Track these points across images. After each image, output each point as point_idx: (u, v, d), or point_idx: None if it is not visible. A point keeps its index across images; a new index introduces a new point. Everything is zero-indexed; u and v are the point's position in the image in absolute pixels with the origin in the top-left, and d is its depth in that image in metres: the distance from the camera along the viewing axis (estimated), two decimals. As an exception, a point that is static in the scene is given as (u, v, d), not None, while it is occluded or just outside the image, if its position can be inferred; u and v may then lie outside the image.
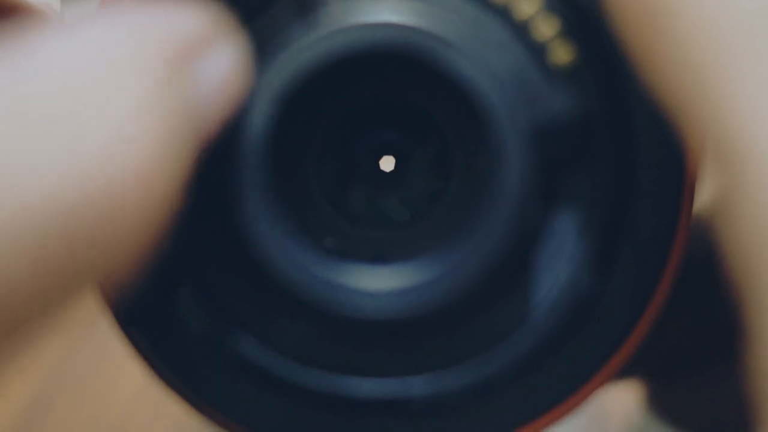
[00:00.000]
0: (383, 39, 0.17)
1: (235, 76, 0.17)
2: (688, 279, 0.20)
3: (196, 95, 0.16)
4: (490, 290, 0.19)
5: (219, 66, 0.16)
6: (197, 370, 0.19)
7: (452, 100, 0.18)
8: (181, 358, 0.19)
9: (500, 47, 0.18)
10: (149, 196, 0.15)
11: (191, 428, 0.41)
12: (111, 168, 0.14)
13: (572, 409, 0.19)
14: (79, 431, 0.43)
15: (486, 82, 0.17)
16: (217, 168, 0.17)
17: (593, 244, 0.19)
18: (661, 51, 0.15)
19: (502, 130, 0.17)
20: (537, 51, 0.18)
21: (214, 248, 0.19)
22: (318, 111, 0.19)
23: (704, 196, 0.21)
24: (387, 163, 0.20)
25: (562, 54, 0.18)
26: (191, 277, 0.19)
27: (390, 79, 0.19)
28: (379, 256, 0.19)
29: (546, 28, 0.18)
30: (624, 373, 0.20)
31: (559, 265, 0.19)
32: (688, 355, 0.24)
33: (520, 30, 0.18)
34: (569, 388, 0.19)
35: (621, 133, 0.19)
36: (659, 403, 0.26)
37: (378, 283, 0.18)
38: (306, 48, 0.17)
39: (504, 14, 0.18)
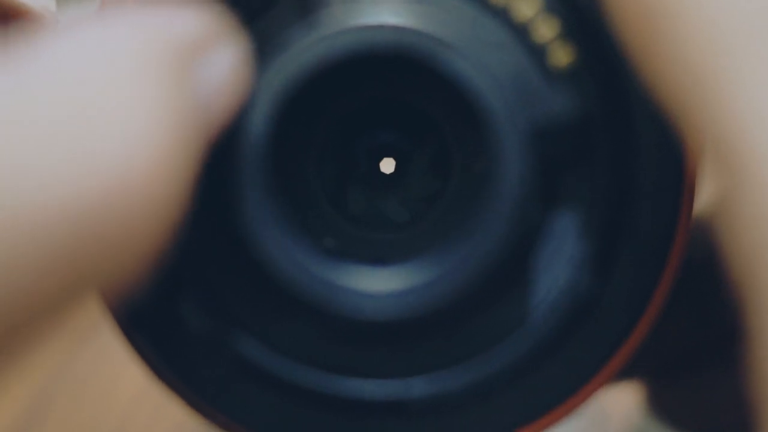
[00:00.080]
0: (383, 41, 0.17)
1: (236, 76, 0.17)
2: (687, 280, 0.20)
3: (200, 96, 0.16)
4: (490, 291, 0.19)
5: (221, 67, 0.16)
6: (198, 371, 0.19)
7: (452, 102, 0.18)
8: (182, 358, 0.19)
9: (500, 49, 0.18)
10: (159, 199, 0.15)
11: (191, 430, 0.41)
12: (121, 170, 0.14)
13: (572, 410, 0.19)
14: (79, 432, 0.43)
15: (485, 83, 0.17)
16: (217, 169, 0.17)
17: (593, 245, 0.19)
18: (661, 52, 0.15)
19: (502, 131, 0.17)
20: (537, 52, 0.18)
21: (214, 249, 0.19)
22: (318, 112, 0.19)
23: (704, 197, 0.21)
24: (387, 165, 0.20)
25: (561, 55, 0.19)
26: (192, 278, 0.19)
27: (390, 81, 0.19)
28: (379, 257, 0.19)
29: (546, 30, 0.18)
30: (623, 374, 0.20)
31: (558, 266, 0.19)
32: (688, 356, 0.24)
33: (520, 31, 0.18)
34: (569, 388, 0.19)
35: (621, 134, 0.19)
36: (659, 404, 0.26)
37: (378, 284, 0.18)
38: (306, 49, 0.17)
39: (503, 16, 0.18)
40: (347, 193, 0.20)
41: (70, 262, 0.14)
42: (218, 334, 0.19)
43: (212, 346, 0.19)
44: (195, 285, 0.19)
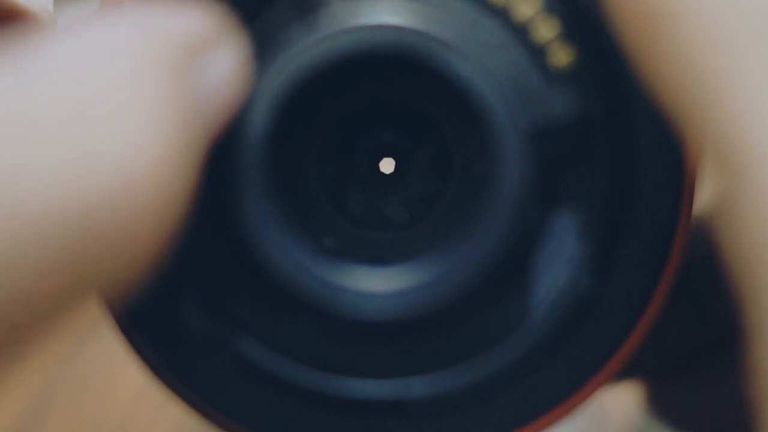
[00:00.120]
0: (383, 40, 0.17)
1: (235, 76, 0.17)
2: (687, 280, 0.20)
3: (200, 96, 0.16)
4: (490, 291, 0.19)
5: (220, 67, 0.16)
6: (198, 372, 0.19)
7: (451, 102, 0.18)
8: (182, 359, 0.19)
9: (500, 49, 0.18)
10: (161, 199, 0.15)
11: (191, 430, 0.41)
12: (122, 171, 0.14)
13: (572, 409, 0.19)
14: (79, 432, 0.43)
15: (485, 83, 0.17)
16: (217, 169, 0.17)
17: (592, 245, 0.19)
18: (661, 52, 0.15)
19: (502, 131, 0.17)
20: (536, 53, 0.18)
21: (214, 249, 0.19)
22: (318, 112, 0.19)
23: (704, 197, 0.21)
24: (387, 165, 0.20)
25: (561, 56, 0.18)
26: (191, 278, 0.19)
27: (390, 81, 0.19)
28: (378, 257, 0.19)
29: (545, 30, 0.18)
30: (623, 374, 0.20)
31: (558, 266, 0.19)
32: (688, 356, 0.24)
33: (520, 32, 0.18)
34: (569, 388, 0.19)
35: (620, 134, 0.19)
36: (659, 404, 0.26)
37: (378, 284, 0.18)
38: (306, 49, 0.17)
39: (503, 16, 0.18)
40: (347, 193, 0.20)
41: (71, 263, 0.14)
42: (218, 334, 0.19)
43: (212, 346, 0.19)
44: (194, 285, 0.19)
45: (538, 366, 0.19)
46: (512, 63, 0.18)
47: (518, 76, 0.18)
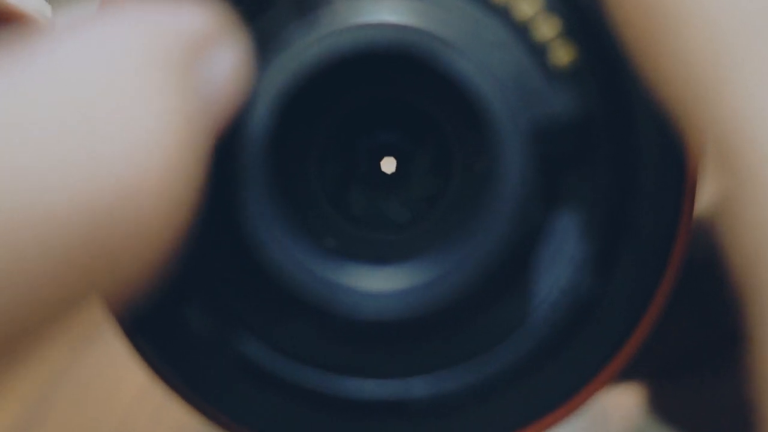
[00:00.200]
0: (383, 39, 0.17)
1: (237, 75, 0.17)
2: (688, 281, 0.20)
3: (203, 95, 0.16)
4: (491, 291, 0.19)
5: (222, 65, 0.16)
6: (200, 372, 0.19)
7: (452, 101, 0.18)
8: (183, 359, 0.19)
9: (501, 48, 0.18)
10: (168, 201, 0.14)
11: (193, 430, 0.41)
12: (129, 172, 0.14)
13: (573, 410, 0.19)
14: (80, 433, 0.43)
15: (486, 83, 0.17)
16: (218, 168, 0.17)
17: (594, 245, 0.19)
18: (662, 51, 0.15)
19: (503, 131, 0.17)
20: (537, 52, 0.18)
21: (215, 249, 0.19)
22: (319, 111, 0.19)
23: (705, 197, 0.20)
24: (388, 165, 0.20)
25: (562, 55, 0.18)
26: (193, 278, 0.19)
27: (390, 80, 0.19)
28: (379, 257, 0.18)
29: (546, 29, 0.18)
30: (624, 374, 0.20)
31: (559, 266, 0.19)
32: (689, 356, 0.24)
33: (521, 30, 0.18)
34: (570, 389, 0.19)
35: (622, 134, 0.19)
36: (660, 405, 0.26)
37: (379, 284, 0.18)
38: (307, 48, 0.17)
39: (504, 15, 0.18)
40: (348, 193, 0.20)
41: (74, 267, 0.14)
42: (219, 334, 0.19)
43: (213, 347, 0.19)
44: (196, 285, 0.19)
45: (539, 366, 0.19)
46: (513, 62, 0.18)
47: (519, 75, 0.18)
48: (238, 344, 0.19)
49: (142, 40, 0.15)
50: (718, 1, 0.15)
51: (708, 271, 0.21)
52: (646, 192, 0.19)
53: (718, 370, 0.24)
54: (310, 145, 0.19)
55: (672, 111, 0.16)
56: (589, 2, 0.18)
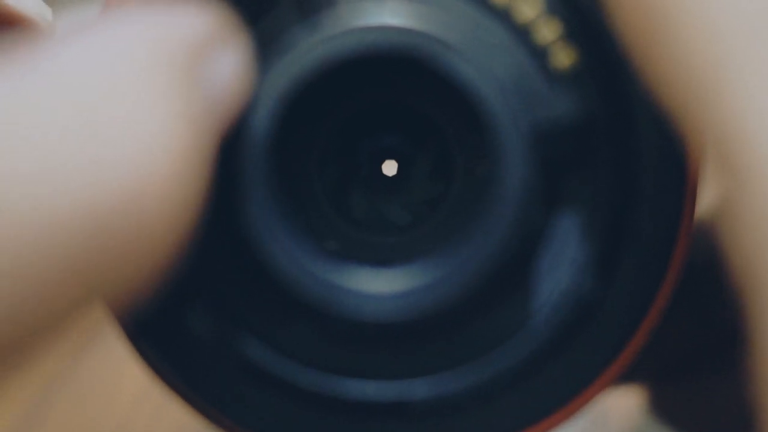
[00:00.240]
0: (385, 42, 0.17)
1: (239, 78, 0.17)
2: (689, 283, 0.20)
3: (207, 98, 0.16)
4: (492, 293, 0.19)
5: (225, 68, 0.16)
6: (202, 374, 0.19)
7: (454, 104, 0.18)
8: (186, 361, 0.19)
9: (502, 51, 0.18)
10: (174, 204, 0.14)
11: (192, 431, 0.41)
12: (134, 176, 0.14)
13: (574, 412, 0.19)
14: (80, 434, 0.43)
15: (487, 85, 0.17)
16: (219, 170, 0.17)
17: (595, 247, 0.19)
18: (663, 54, 0.15)
19: (504, 134, 0.17)
20: (538, 54, 0.18)
21: (217, 251, 0.19)
22: (320, 114, 0.19)
23: (706, 199, 0.20)
24: (389, 168, 0.20)
25: (563, 57, 0.18)
26: (195, 281, 0.19)
27: (392, 83, 0.19)
28: (381, 259, 0.19)
29: (547, 32, 0.18)
30: (626, 376, 0.20)
31: (560, 269, 0.19)
32: (690, 359, 0.24)
33: (522, 33, 0.18)
34: (571, 391, 0.19)
35: (623, 136, 0.19)
36: (660, 407, 0.26)
37: (380, 286, 0.18)
38: (309, 50, 0.17)
39: (505, 18, 0.18)
40: (349, 196, 0.20)
41: (77, 271, 0.14)
42: (221, 336, 0.19)
43: (215, 348, 0.19)
44: (198, 287, 0.19)
45: (540, 369, 0.19)
46: (514, 65, 0.18)
47: (520, 78, 0.18)
48: (240, 346, 0.19)
49: (144, 43, 0.15)
50: (718, 2, 0.15)
51: (709, 274, 0.21)
52: (647, 194, 0.19)
53: (719, 372, 0.24)
54: (312, 148, 0.19)
55: (672, 113, 0.16)
56: (589, 5, 0.18)
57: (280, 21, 0.18)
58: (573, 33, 0.18)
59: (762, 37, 0.14)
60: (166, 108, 0.15)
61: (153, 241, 0.14)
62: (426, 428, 0.19)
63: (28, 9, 0.21)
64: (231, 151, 0.17)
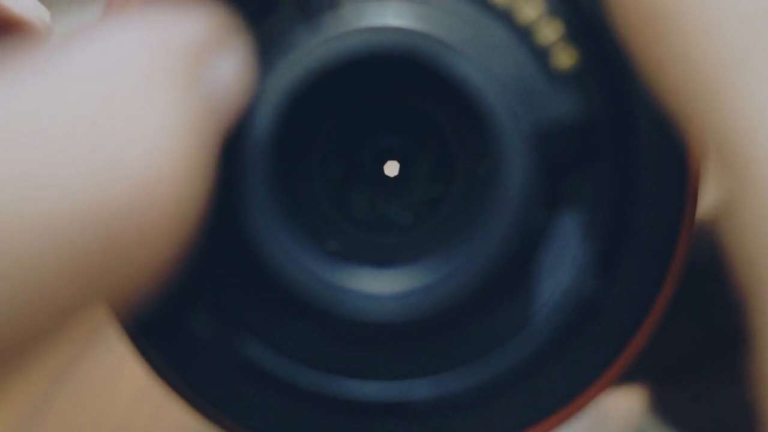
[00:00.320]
0: (387, 43, 0.17)
1: (241, 79, 0.17)
2: (690, 283, 0.20)
3: (210, 100, 0.16)
4: (493, 293, 0.19)
5: (227, 69, 0.16)
6: (202, 374, 0.19)
7: (455, 105, 0.18)
8: (187, 361, 0.19)
9: (503, 51, 0.18)
10: (177, 206, 0.14)
11: (192, 431, 0.41)
12: (138, 179, 0.14)
13: (575, 412, 0.19)
14: (80, 434, 0.43)
15: (488, 86, 0.17)
16: (221, 171, 0.17)
17: (596, 247, 0.19)
18: (664, 54, 0.15)
19: (505, 134, 0.17)
20: (540, 55, 0.18)
21: (218, 252, 0.19)
22: (322, 114, 0.19)
23: (707, 199, 0.20)
24: (391, 168, 0.20)
25: (564, 58, 0.18)
26: (196, 281, 0.19)
27: (393, 83, 0.19)
28: (382, 259, 0.19)
29: (549, 32, 0.18)
30: (627, 376, 0.20)
31: (561, 269, 0.19)
32: (691, 358, 0.24)
33: (523, 34, 0.18)
34: (572, 391, 0.19)
35: (624, 136, 0.19)
36: (661, 407, 0.26)
37: (381, 286, 0.18)
38: (310, 51, 0.17)
39: (506, 18, 0.18)
40: (351, 196, 0.20)
41: (82, 273, 0.14)
42: (222, 336, 0.19)
43: (216, 349, 0.19)
44: (199, 287, 0.19)
45: (541, 369, 0.19)
46: (515, 65, 0.18)
47: (521, 79, 0.18)
48: (241, 346, 0.19)
49: (146, 48, 0.15)
50: (719, 2, 0.15)
51: (710, 273, 0.21)
52: (648, 194, 0.19)
53: (720, 371, 0.24)
54: (313, 148, 0.19)
55: (673, 113, 0.16)
56: (591, 5, 0.18)
57: (282, 22, 0.18)
58: (574, 33, 0.18)
59: (763, 37, 0.14)
60: (168, 111, 0.15)
61: (155, 244, 0.14)
62: (427, 428, 0.19)
63: (27, 12, 0.21)
64: (233, 152, 0.17)
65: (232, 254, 0.19)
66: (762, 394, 0.15)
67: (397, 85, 0.19)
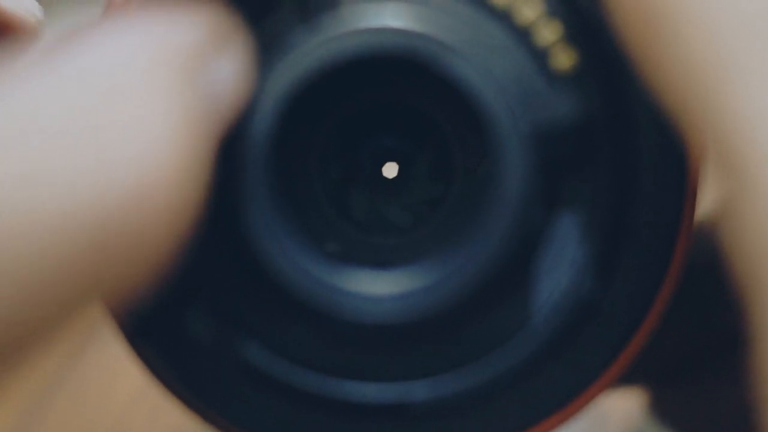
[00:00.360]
0: (386, 43, 0.17)
1: (240, 79, 0.17)
2: (689, 284, 0.20)
3: (208, 100, 0.16)
4: (492, 294, 0.19)
5: (226, 70, 0.16)
6: (200, 375, 0.19)
7: (454, 105, 0.18)
8: (185, 363, 0.19)
9: (502, 52, 0.18)
10: (173, 205, 0.15)
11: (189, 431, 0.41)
12: (135, 178, 0.14)
13: (573, 414, 0.19)
14: (78, 434, 0.43)
15: (487, 87, 0.17)
16: (220, 172, 0.17)
17: (595, 248, 0.19)
18: (663, 54, 0.15)
19: (503, 134, 0.17)
20: (539, 56, 0.18)
21: (217, 253, 0.19)
22: (321, 115, 0.19)
23: (707, 200, 0.20)
24: (389, 170, 0.20)
25: (563, 59, 0.18)
26: (194, 282, 0.19)
27: (392, 84, 0.19)
28: (381, 261, 0.18)
29: (548, 33, 0.18)
30: (625, 378, 0.20)
31: (560, 270, 0.19)
32: (690, 360, 0.24)
33: (522, 35, 0.18)
34: (570, 392, 0.19)
35: (623, 137, 0.19)
36: (660, 408, 0.26)
37: (380, 287, 0.18)
38: (309, 52, 0.17)
39: (506, 19, 0.18)
40: (350, 197, 0.20)
41: (79, 270, 0.14)
42: (220, 337, 0.19)
43: (214, 350, 0.19)
44: (197, 288, 0.19)
45: (540, 370, 0.19)
46: (514, 66, 0.18)
47: (520, 79, 0.18)
48: (239, 347, 0.19)
49: (145, 46, 0.15)
50: (718, 2, 0.15)
51: (709, 274, 0.21)
52: (647, 195, 0.19)
53: (719, 373, 0.24)
54: (312, 148, 0.19)
55: (673, 114, 0.16)
56: (590, 6, 0.18)
57: (282, 22, 0.18)
58: (573, 34, 0.18)
59: (762, 37, 0.14)
60: (165, 112, 0.15)
61: (151, 242, 0.14)
62: (426, 430, 0.19)
63: (18, 10, 0.21)
64: (232, 152, 0.17)
65: (230, 255, 0.19)
66: (761, 396, 0.15)
67: (396, 86, 0.19)
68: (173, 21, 0.16)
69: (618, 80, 0.18)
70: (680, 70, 0.15)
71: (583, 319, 0.19)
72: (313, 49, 0.17)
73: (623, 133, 0.19)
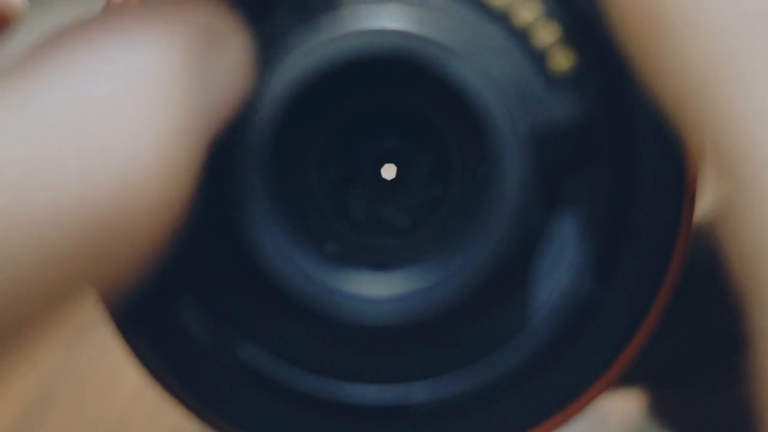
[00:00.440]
0: (385, 45, 0.17)
1: (239, 79, 0.17)
2: (688, 285, 0.20)
3: (205, 98, 0.16)
4: (491, 296, 0.19)
5: (225, 69, 0.16)
6: (199, 376, 0.19)
7: (452, 107, 0.18)
8: (183, 364, 0.19)
9: (500, 54, 0.18)
10: (161, 199, 0.15)
11: (189, 432, 0.41)
12: (126, 171, 0.14)
13: (573, 415, 0.19)
14: (77, 434, 0.43)
15: (486, 88, 0.17)
16: (219, 173, 0.17)
17: (594, 249, 0.19)
18: (662, 56, 0.15)
19: (502, 136, 0.17)
20: (537, 57, 0.18)
21: (215, 253, 0.19)
22: (320, 116, 0.19)
23: (705, 201, 0.20)
24: (388, 171, 0.20)
25: (562, 60, 0.18)
26: (192, 283, 0.19)
27: (391, 85, 0.19)
28: (380, 262, 0.18)
29: (546, 35, 0.18)
30: (625, 379, 0.20)
31: (559, 271, 0.19)
32: (689, 361, 0.24)
33: (520, 36, 0.18)
34: (570, 393, 0.19)
35: (622, 138, 0.19)
36: (659, 409, 0.26)
37: (379, 289, 0.18)
38: (308, 53, 0.17)
39: (504, 21, 0.18)
40: (349, 198, 0.20)
41: (67, 263, 0.14)
42: (219, 338, 0.19)
43: (212, 351, 0.19)
44: (195, 289, 0.19)
45: (539, 371, 0.19)
46: (513, 67, 0.18)
47: (519, 81, 0.18)
48: (238, 349, 0.19)
49: (142, 45, 0.15)
50: (717, 3, 0.15)
51: (708, 276, 0.21)
52: (646, 196, 0.19)
53: (718, 374, 0.24)
54: (311, 150, 0.19)
55: (671, 115, 0.16)
56: (588, 7, 0.18)
57: (281, 23, 0.18)
58: (571, 36, 0.18)
59: (762, 38, 0.14)
60: (158, 109, 0.15)
61: (139, 235, 0.15)
62: (426, 431, 0.19)
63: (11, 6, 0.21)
64: (231, 153, 0.17)
65: (229, 256, 0.19)
66: (760, 397, 0.15)
67: (394, 88, 0.19)
68: (172, 20, 0.16)
69: (616, 81, 0.18)
70: (679, 71, 0.15)
71: (582, 319, 0.19)
72: (312, 50, 0.17)
73: (622, 135, 0.19)
